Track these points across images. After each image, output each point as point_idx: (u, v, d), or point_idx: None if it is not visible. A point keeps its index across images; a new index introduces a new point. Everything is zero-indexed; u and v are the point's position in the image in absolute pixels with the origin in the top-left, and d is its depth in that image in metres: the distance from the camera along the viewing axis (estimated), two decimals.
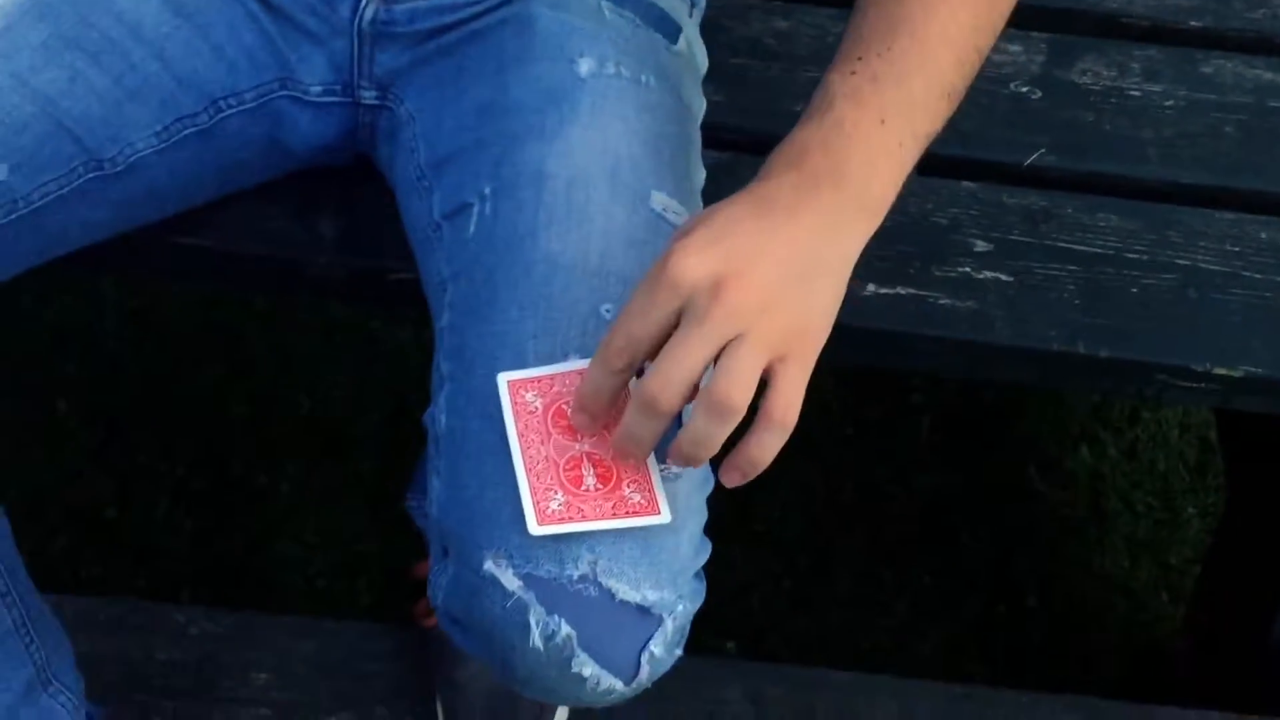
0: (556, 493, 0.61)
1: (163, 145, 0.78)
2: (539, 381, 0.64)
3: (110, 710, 0.99)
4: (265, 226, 0.89)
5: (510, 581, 0.61)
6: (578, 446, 0.62)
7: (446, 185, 0.74)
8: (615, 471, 0.62)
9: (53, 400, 1.41)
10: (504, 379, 0.64)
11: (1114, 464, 1.50)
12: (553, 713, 1.05)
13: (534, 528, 0.60)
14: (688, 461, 0.58)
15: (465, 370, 0.67)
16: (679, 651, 0.65)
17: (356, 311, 1.48)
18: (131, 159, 0.77)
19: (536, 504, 0.61)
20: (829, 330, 0.59)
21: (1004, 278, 0.95)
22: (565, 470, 0.62)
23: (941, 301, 0.93)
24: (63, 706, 0.85)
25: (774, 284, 0.56)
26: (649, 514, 0.61)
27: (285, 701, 1.07)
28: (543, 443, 0.62)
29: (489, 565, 0.61)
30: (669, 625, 0.63)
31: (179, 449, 1.39)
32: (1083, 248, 0.97)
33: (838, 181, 0.59)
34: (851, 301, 0.95)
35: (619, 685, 0.62)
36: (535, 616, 0.61)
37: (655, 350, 0.57)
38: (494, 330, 0.67)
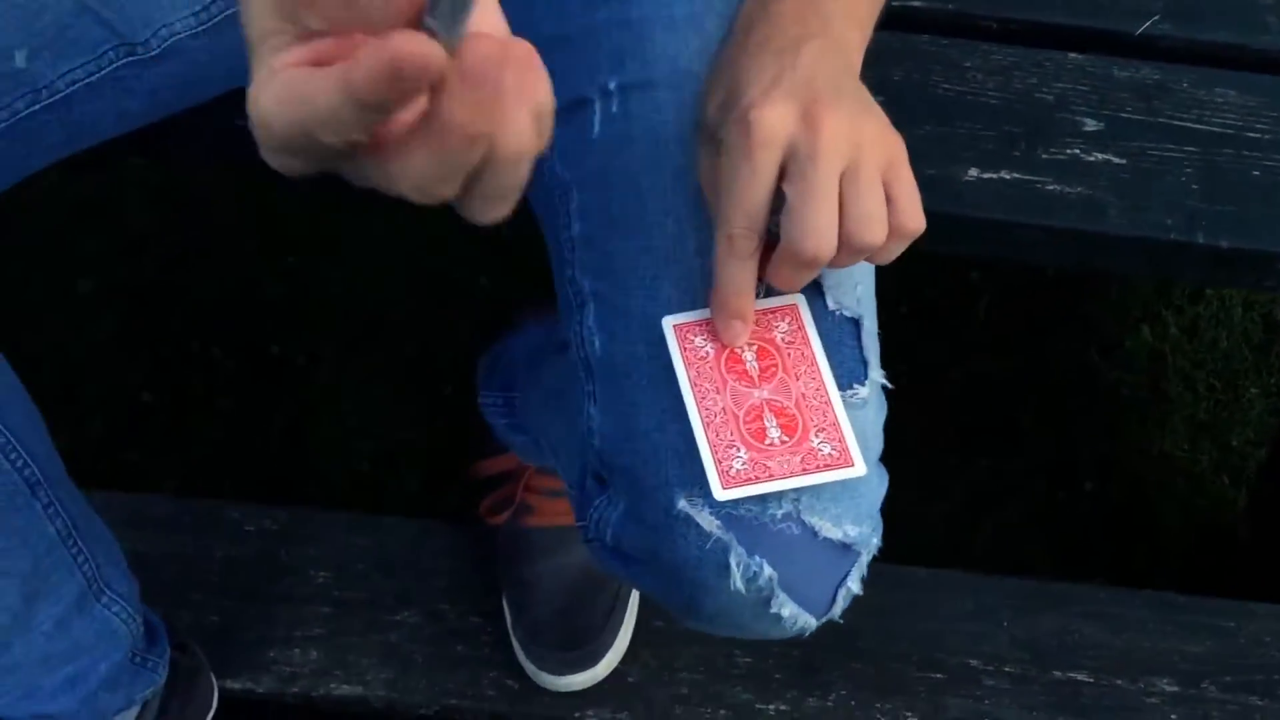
0: (739, 449, 0.56)
1: (202, 27, 0.70)
2: (709, 325, 0.58)
3: (166, 612, 0.95)
4: None
5: (707, 521, 0.57)
6: (757, 394, 0.57)
7: (551, 74, 0.66)
8: (800, 419, 0.57)
9: (73, 279, 1.35)
10: (669, 323, 0.58)
11: (1175, 343, 1.46)
12: (623, 614, 1.02)
13: (719, 493, 0.55)
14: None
15: (618, 289, 0.61)
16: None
17: None
18: (168, 42, 0.70)
19: (719, 464, 0.55)
20: None
21: (1116, 160, 0.88)
22: (746, 423, 0.56)
23: (1049, 187, 0.87)
24: (116, 615, 0.82)
25: (847, 105, 0.55)
26: (842, 466, 0.56)
27: (346, 599, 1.04)
28: (718, 392, 0.57)
29: (682, 504, 0.57)
30: (864, 559, 0.60)
31: (212, 330, 1.34)
32: (1200, 126, 0.90)
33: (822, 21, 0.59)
34: (951, 187, 0.91)
35: (813, 622, 0.60)
36: (736, 558, 0.57)
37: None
38: (649, 245, 0.61)
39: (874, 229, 0.54)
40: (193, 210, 1.39)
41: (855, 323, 0.61)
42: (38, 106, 0.67)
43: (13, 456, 0.71)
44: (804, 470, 0.56)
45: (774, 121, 0.54)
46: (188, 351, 1.33)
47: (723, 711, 1.02)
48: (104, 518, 0.82)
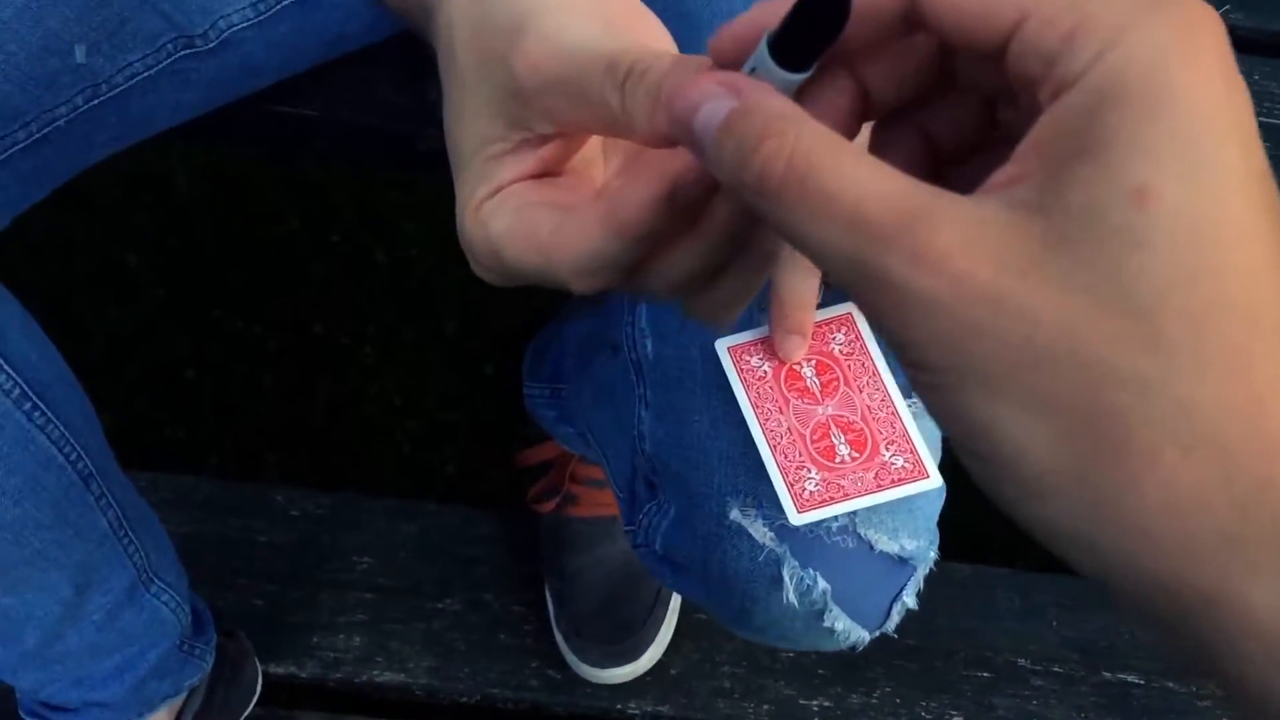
0: (810, 470, 0.54)
1: (259, 18, 0.69)
2: (764, 344, 0.57)
3: (210, 595, 0.96)
4: (371, 94, 0.80)
5: (760, 533, 0.55)
6: (821, 410, 0.55)
7: None
8: (868, 433, 0.55)
9: (123, 254, 1.35)
10: (723, 346, 0.57)
11: None
12: (665, 607, 1.02)
13: (795, 517, 0.54)
14: None
15: None
16: None
17: None
18: (225, 34, 0.69)
19: (791, 488, 0.54)
20: None
21: None
22: (814, 442, 0.55)
23: None
24: (165, 605, 0.82)
25: None
26: (916, 479, 0.54)
27: (390, 586, 1.03)
28: (781, 412, 0.55)
29: (735, 515, 0.56)
30: (919, 573, 0.58)
31: (256, 307, 1.34)
32: (1273, 120, 0.87)
33: None
34: None
35: (866, 636, 0.58)
36: (789, 571, 0.55)
37: None
38: None
39: None
40: (238, 187, 1.39)
41: None
42: (97, 101, 0.66)
43: (67, 450, 0.71)
44: (879, 486, 0.54)
45: None
46: (231, 329, 1.32)
47: (765, 706, 1.01)
48: (149, 499, 0.82)
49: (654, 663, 1.02)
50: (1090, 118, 0.23)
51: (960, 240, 0.23)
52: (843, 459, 0.54)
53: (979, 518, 1.27)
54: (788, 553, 0.55)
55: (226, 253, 1.36)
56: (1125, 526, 0.23)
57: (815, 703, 1.01)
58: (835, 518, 0.55)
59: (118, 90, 0.67)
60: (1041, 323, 0.23)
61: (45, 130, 0.66)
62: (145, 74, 0.67)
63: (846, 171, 0.24)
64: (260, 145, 0.84)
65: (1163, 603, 0.23)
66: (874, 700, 1.01)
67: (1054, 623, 1.05)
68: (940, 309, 0.23)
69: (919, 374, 0.25)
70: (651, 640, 1.01)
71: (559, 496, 1.03)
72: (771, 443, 0.55)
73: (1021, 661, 1.03)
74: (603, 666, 1.00)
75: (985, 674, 1.03)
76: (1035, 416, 0.23)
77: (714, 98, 0.26)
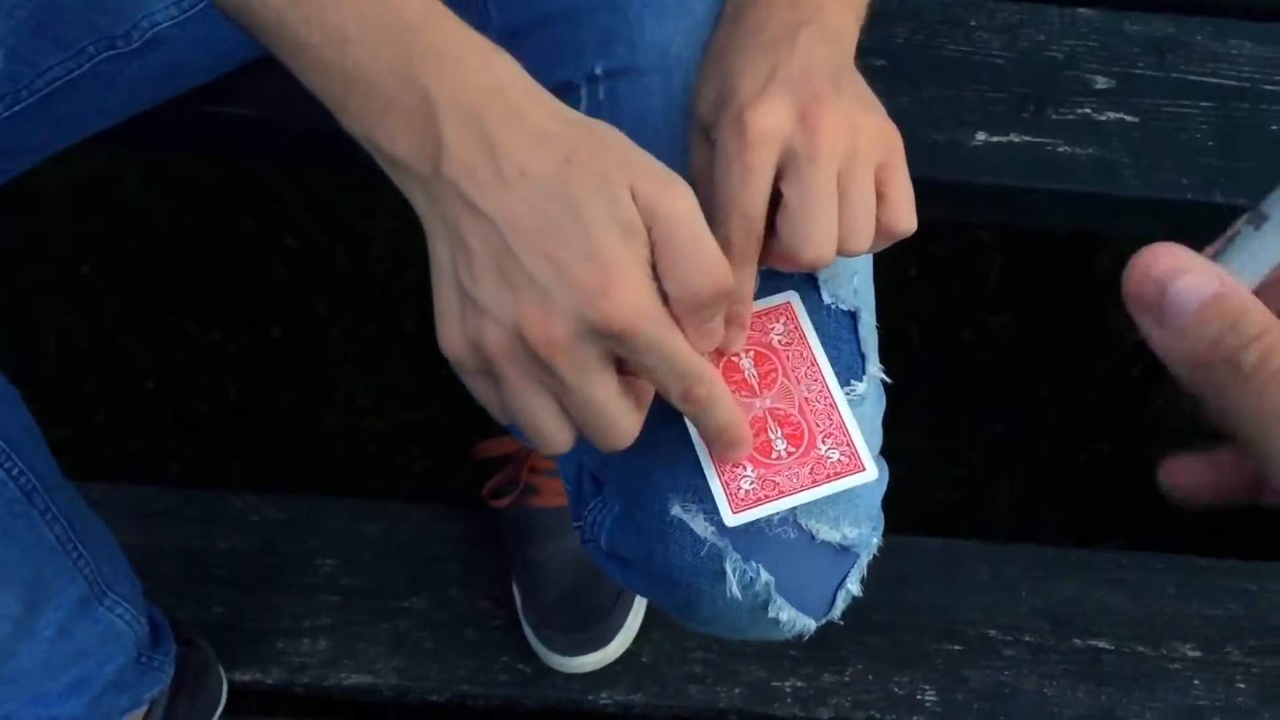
0: (745, 467, 0.54)
1: (183, 15, 0.68)
2: None
3: (171, 605, 0.95)
4: (307, 92, 0.79)
5: (702, 528, 0.55)
6: (759, 404, 0.55)
7: (532, 58, 0.63)
8: (805, 426, 0.54)
9: (76, 263, 1.33)
10: None
11: None
12: (633, 594, 1.01)
13: (730, 518, 0.53)
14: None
15: None
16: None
17: None
18: (149, 33, 0.67)
19: (726, 487, 0.53)
20: None
21: (1129, 119, 0.85)
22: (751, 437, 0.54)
23: (1060, 149, 0.84)
24: (120, 618, 0.81)
25: (845, 98, 0.52)
26: (852, 472, 0.54)
27: (355, 588, 1.03)
28: None
29: (676, 510, 0.55)
30: (863, 559, 0.58)
31: (214, 311, 1.32)
32: (1216, 80, 0.87)
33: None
34: (958, 152, 0.88)
35: (811, 624, 0.58)
36: (732, 564, 0.55)
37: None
38: None
39: (862, 236, 0.52)
40: (190, 191, 1.37)
41: (852, 316, 0.59)
42: (18, 107, 0.65)
43: (8, 465, 0.70)
44: (814, 483, 0.53)
45: (770, 121, 0.51)
46: (190, 335, 1.31)
47: (738, 690, 1.01)
48: (105, 511, 0.81)
49: (624, 650, 1.01)
50: None
51: None
52: (779, 454, 0.54)
53: (946, 487, 1.28)
54: (729, 546, 0.55)
55: (182, 258, 1.35)
56: None
57: (788, 683, 1.01)
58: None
59: (39, 95, 0.65)
60: None
61: None
62: (67, 77, 0.66)
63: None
64: (196, 148, 0.83)
65: None
66: (846, 678, 1.01)
67: (1024, 593, 1.05)
68: None
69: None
70: (620, 627, 1.00)
71: (516, 491, 1.02)
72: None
73: (992, 633, 1.03)
74: (571, 654, 0.99)
75: (956, 647, 1.03)
76: None
77: (1197, 273, 0.30)
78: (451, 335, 0.47)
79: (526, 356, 0.46)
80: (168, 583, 0.99)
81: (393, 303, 1.33)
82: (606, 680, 1.01)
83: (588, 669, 1.01)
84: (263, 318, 1.32)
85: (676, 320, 0.47)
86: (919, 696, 1.01)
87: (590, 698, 1.01)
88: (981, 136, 0.84)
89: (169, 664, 0.88)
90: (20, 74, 0.64)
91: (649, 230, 0.46)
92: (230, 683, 0.98)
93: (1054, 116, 0.85)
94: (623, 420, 0.48)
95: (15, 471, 0.70)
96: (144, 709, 0.89)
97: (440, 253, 0.47)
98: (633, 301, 0.44)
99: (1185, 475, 0.33)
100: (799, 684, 1.01)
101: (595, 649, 1.00)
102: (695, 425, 0.52)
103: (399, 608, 1.02)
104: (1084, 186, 0.83)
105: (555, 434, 0.48)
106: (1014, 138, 0.84)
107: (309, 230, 1.37)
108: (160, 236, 1.35)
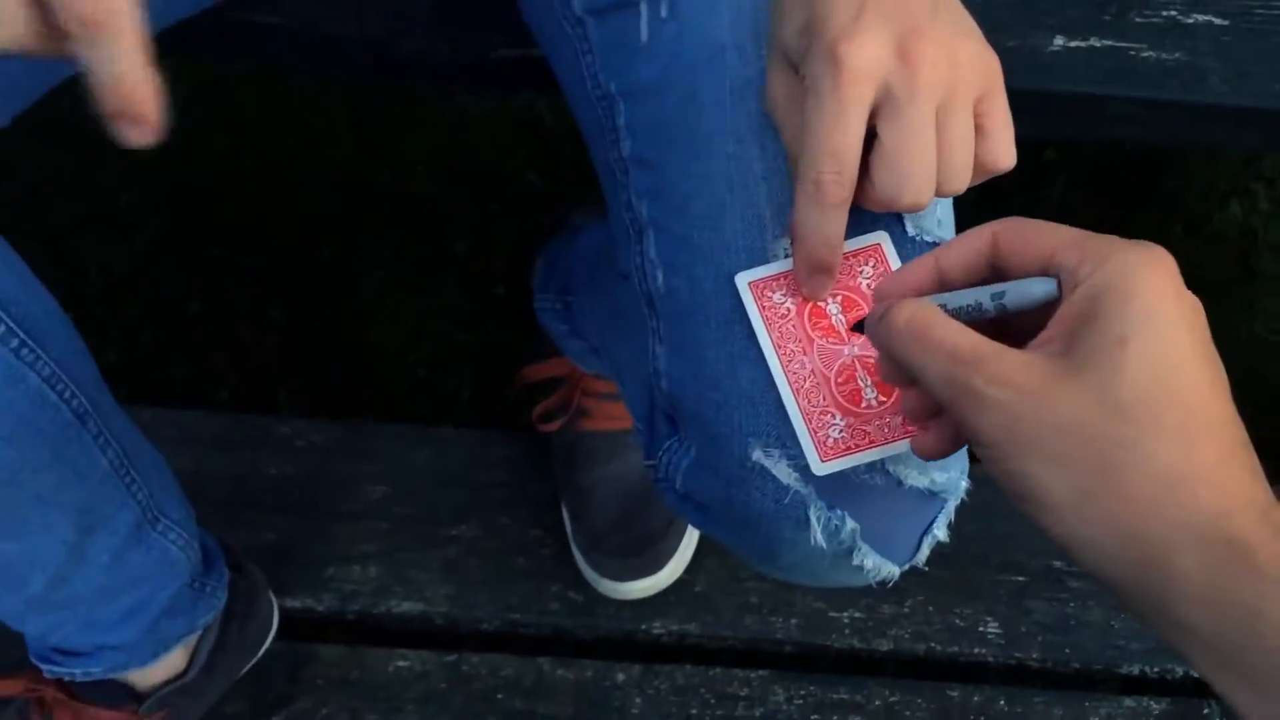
0: (834, 415, 0.51)
1: None
2: (786, 279, 0.53)
3: (221, 531, 0.94)
4: None
5: (785, 474, 0.52)
6: (847, 350, 0.52)
7: None
8: None
9: (114, 191, 1.31)
10: (743, 280, 0.53)
11: (1266, 219, 1.37)
12: (685, 521, 0.99)
13: (818, 467, 0.51)
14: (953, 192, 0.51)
15: (679, 218, 0.56)
16: None
17: None
18: None
19: (814, 435, 0.51)
20: None
21: (1218, 21, 0.80)
22: (839, 385, 0.52)
23: (1144, 54, 0.79)
24: (173, 543, 0.80)
25: (943, 30, 0.49)
26: None
27: (404, 514, 1.01)
28: (805, 353, 0.52)
29: (758, 455, 0.53)
30: (951, 505, 0.56)
31: (257, 234, 1.30)
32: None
33: None
34: (1035, 59, 0.84)
35: (896, 571, 0.56)
36: (816, 512, 0.53)
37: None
38: (710, 169, 0.55)
39: (960, 176, 0.50)
40: (227, 111, 1.35)
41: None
42: None
43: (60, 388, 0.68)
44: (906, 433, 0.51)
45: (867, 56, 0.48)
46: (233, 261, 1.29)
47: (794, 620, 0.99)
48: (154, 436, 0.79)
49: (675, 577, 0.99)
50: (1091, 303, 0.40)
51: (1017, 369, 0.40)
52: (869, 403, 0.51)
53: None
54: (814, 493, 0.52)
55: (222, 181, 1.32)
56: (1111, 530, 0.39)
57: (846, 615, 0.99)
58: None
59: None
60: (1062, 412, 0.39)
61: None
62: None
63: (947, 326, 0.43)
64: (228, 61, 0.80)
65: (1129, 574, 0.39)
66: (906, 610, 0.99)
67: None
68: (1002, 406, 0.40)
69: (984, 450, 0.41)
70: (672, 553, 0.99)
71: (567, 415, 1.00)
72: (795, 386, 0.52)
73: (1056, 564, 1.01)
74: (622, 579, 0.98)
75: (1020, 578, 1.00)
76: (1057, 468, 0.39)
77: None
78: None
79: None
80: (217, 509, 0.98)
81: (440, 224, 1.31)
82: (659, 609, 1.00)
83: (639, 595, 0.99)
84: (308, 241, 1.30)
85: None
86: (981, 628, 0.98)
87: (643, 627, 1.00)
88: (1059, 41, 0.79)
89: (222, 589, 0.88)
90: None
91: None
92: (281, 609, 0.98)
93: (1137, 19, 0.80)
94: None
95: (67, 394, 0.69)
96: (197, 634, 0.88)
97: None
98: None
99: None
100: (857, 615, 0.99)
101: (647, 574, 0.98)
102: None
103: (448, 535, 1.01)
104: (1170, 94, 0.78)
105: None
106: (1094, 42, 0.79)
107: (351, 149, 1.34)
108: (199, 160, 1.33)
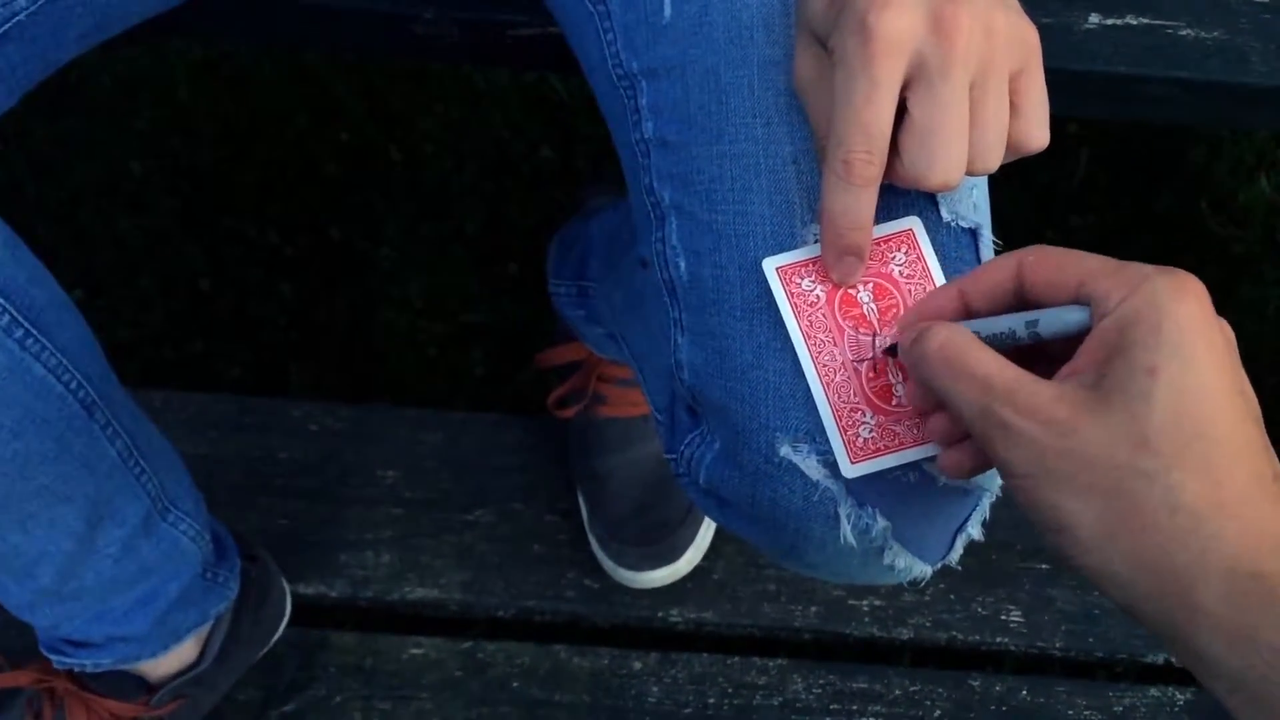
0: (864, 413, 0.49)
1: None
2: (815, 265, 0.51)
3: (232, 517, 0.92)
4: None
5: (814, 470, 0.50)
6: (878, 342, 0.50)
7: None
8: None
9: (126, 163, 1.30)
10: (771, 265, 0.51)
11: None
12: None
13: (848, 469, 0.49)
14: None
15: (702, 203, 0.54)
16: None
17: None
18: None
19: (845, 434, 0.49)
20: None
21: None
22: (870, 379, 0.50)
23: (1182, 32, 0.77)
24: (184, 534, 0.79)
25: (980, 3, 0.47)
26: None
27: (417, 500, 1.00)
28: (834, 344, 0.50)
29: (785, 451, 0.51)
30: (985, 502, 0.54)
31: (268, 210, 1.28)
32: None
33: None
34: (1069, 37, 0.81)
35: (928, 570, 0.55)
36: (846, 510, 0.51)
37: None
38: (735, 151, 0.53)
39: (993, 154, 0.48)
40: (239, 86, 1.32)
41: (973, 234, 0.53)
42: None
43: (66, 379, 0.67)
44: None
45: (899, 26, 0.46)
46: (245, 236, 1.28)
47: (813, 609, 0.97)
48: (164, 420, 0.78)
49: (694, 566, 0.98)
50: (1121, 333, 0.40)
51: (1048, 401, 0.41)
52: (899, 401, 0.50)
53: None
54: (844, 490, 0.51)
55: (233, 155, 1.30)
56: (1136, 563, 0.39)
57: (865, 602, 0.98)
58: None
59: None
60: (1091, 444, 0.39)
61: (5, 26, 0.60)
62: None
63: (980, 354, 0.43)
64: (242, 37, 0.78)
65: (1153, 607, 0.39)
66: (927, 598, 0.98)
67: None
68: (1033, 439, 0.40)
69: (1013, 480, 0.41)
70: (690, 541, 0.97)
71: (584, 401, 0.98)
72: (825, 380, 0.50)
73: None
74: (639, 569, 0.96)
75: (1043, 566, 0.99)
76: (1085, 500, 0.40)
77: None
78: None
79: None
80: (228, 493, 0.97)
81: (452, 201, 1.29)
82: (677, 597, 0.98)
83: (656, 584, 0.98)
84: (319, 218, 1.28)
85: None
86: (1003, 617, 0.97)
87: (660, 615, 0.99)
88: (1094, 19, 0.77)
89: (234, 579, 0.87)
90: None
91: None
92: (293, 595, 0.97)
93: None
94: None
95: (74, 385, 0.68)
96: (209, 624, 0.87)
97: None
98: None
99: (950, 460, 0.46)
100: (877, 603, 0.97)
101: (664, 564, 0.97)
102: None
103: (463, 521, 1.00)
104: (1207, 75, 0.76)
105: None
106: (1130, 20, 0.77)
107: (363, 125, 1.32)
108: (211, 134, 1.31)
